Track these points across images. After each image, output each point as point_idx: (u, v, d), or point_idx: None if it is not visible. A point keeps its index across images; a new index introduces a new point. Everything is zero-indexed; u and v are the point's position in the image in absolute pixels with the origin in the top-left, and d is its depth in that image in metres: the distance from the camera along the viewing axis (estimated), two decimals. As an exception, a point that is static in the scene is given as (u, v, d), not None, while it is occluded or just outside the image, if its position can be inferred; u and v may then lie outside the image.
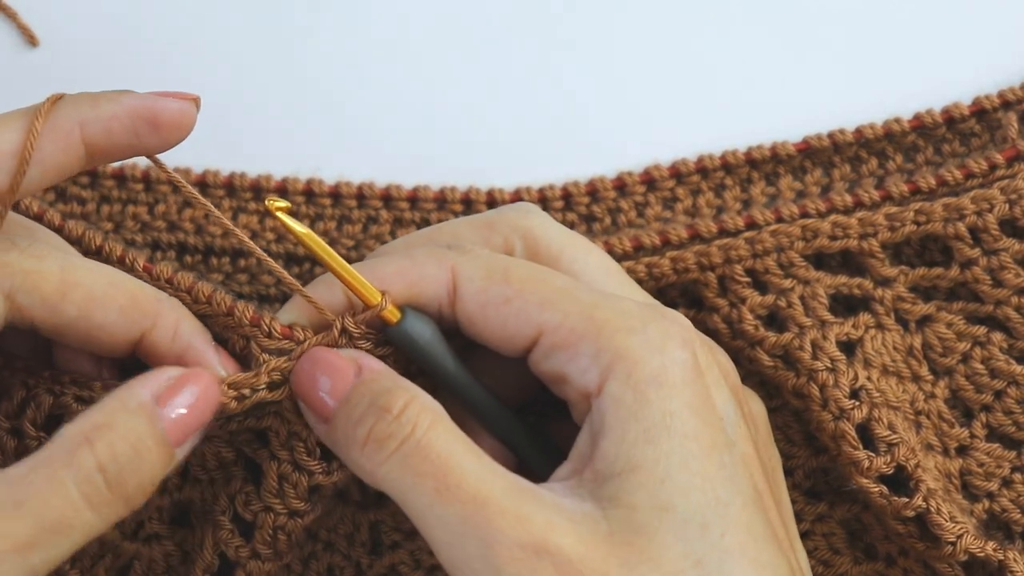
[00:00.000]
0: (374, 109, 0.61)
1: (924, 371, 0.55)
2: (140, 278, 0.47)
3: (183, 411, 0.44)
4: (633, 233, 0.58)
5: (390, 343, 0.47)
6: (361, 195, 0.60)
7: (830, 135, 0.59)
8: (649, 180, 0.60)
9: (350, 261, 0.47)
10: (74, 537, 0.41)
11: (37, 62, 0.62)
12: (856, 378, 0.52)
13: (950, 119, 0.59)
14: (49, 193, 0.59)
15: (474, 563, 0.41)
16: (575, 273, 0.48)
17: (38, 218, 0.50)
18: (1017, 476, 0.54)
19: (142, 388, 0.44)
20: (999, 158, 0.57)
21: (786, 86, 0.61)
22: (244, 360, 0.47)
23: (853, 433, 0.51)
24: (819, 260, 0.55)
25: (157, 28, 0.62)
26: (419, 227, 0.59)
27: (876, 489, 0.51)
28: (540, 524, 0.41)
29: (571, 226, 0.59)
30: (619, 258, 0.56)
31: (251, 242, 0.48)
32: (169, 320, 0.46)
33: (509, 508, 0.42)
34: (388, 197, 0.60)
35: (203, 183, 0.59)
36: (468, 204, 0.59)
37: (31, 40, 0.62)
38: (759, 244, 0.54)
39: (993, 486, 0.54)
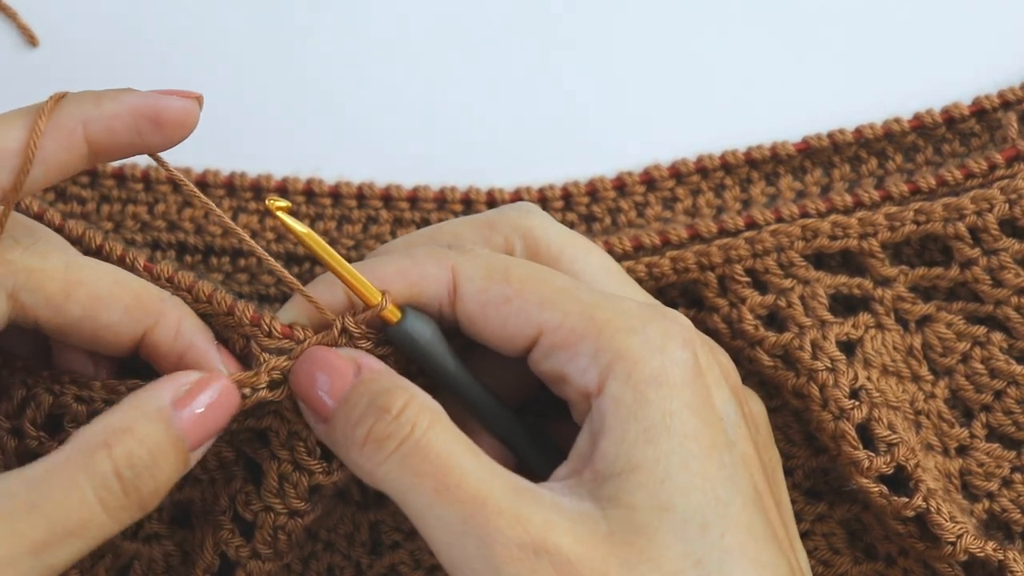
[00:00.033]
0: (374, 109, 0.61)
1: (924, 371, 0.55)
2: (141, 277, 0.47)
3: (201, 415, 0.44)
4: (633, 233, 0.58)
5: (390, 343, 0.47)
6: (361, 195, 0.60)
7: (830, 135, 0.59)
8: (649, 180, 0.60)
9: (350, 261, 0.47)
10: (88, 539, 0.42)
11: (37, 62, 0.62)
12: (856, 378, 0.52)
13: (950, 119, 0.59)
14: (49, 193, 0.59)
15: (474, 563, 0.41)
16: (575, 273, 0.48)
17: (38, 217, 0.50)
18: (1017, 476, 0.54)
19: (162, 392, 0.44)
20: (999, 158, 0.57)
21: (786, 86, 0.61)
22: (244, 360, 0.47)
23: (853, 433, 0.51)
24: (819, 260, 0.55)
25: (157, 28, 0.62)
26: (419, 227, 0.59)
27: (876, 489, 0.51)
28: (539, 524, 0.41)
29: (571, 226, 0.59)
30: (619, 258, 0.56)
31: (251, 241, 0.48)
32: (172, 319, 0.46)
33: (508, 508, 0.42)
34: (388, 197, 0.60)
35: (203, 183, 0.59)
36: (468, 204, 0.60)
37: (31, 40, 0.62)
38: (759, 244, 0.54)
39: (993, 486, 0.54)
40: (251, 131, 0.61)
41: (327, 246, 0.46)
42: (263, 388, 0.46)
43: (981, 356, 0.55)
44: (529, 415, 0.50)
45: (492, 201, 0.59)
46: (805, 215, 0.57)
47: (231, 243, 0.58)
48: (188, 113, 0.45)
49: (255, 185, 0.59)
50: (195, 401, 0.44)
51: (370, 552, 0.55)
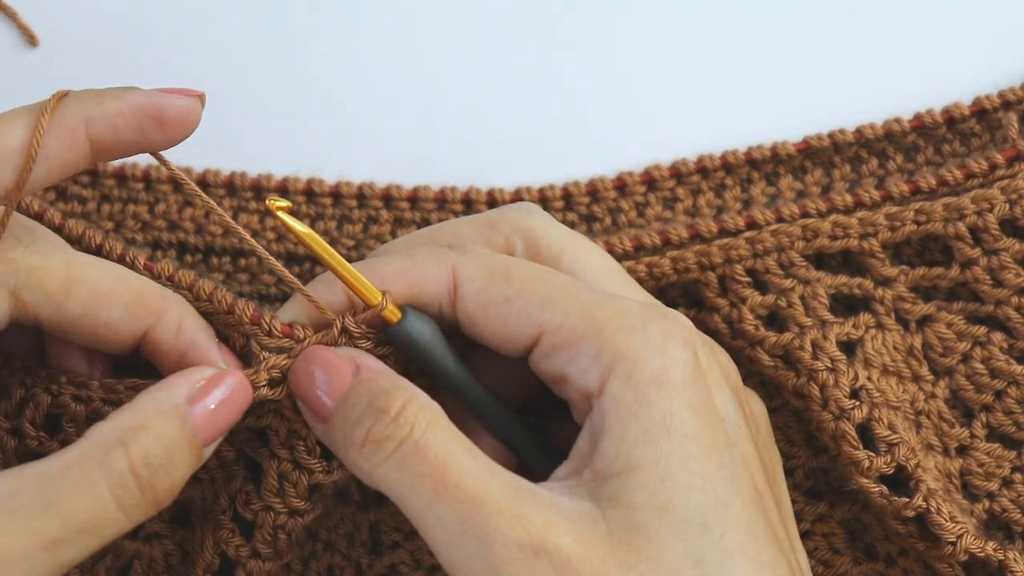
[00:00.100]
0: (374, 109, 0.61)
1: (924, 371, 0.55)
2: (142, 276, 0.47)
3: (214, 411, 0.44)
4: (633, 233, 0.58)
5: (390, 343, 0.47)
6: (361, 195, 0.60)
7: (830, 135, 0.59)
8: (649, 180, 0.60)
9: (350, 261, 0.47)
10: (102, 537, 0.42)
11: (37, 62, 0.62)
12: (856, 378, 0.52)
13: (950, 119, 0.59)
14: (50, 192, 0.59)
15: (473, 563, 0.41)
16: (576, 273, 0.48)
17: (38, 217, 0.50)
18: (1017, 476, 0.54)
19: (177, 389, 0.44)
20: (999, 158, 0.57)
21: (786, 86, 0.61)
22: (245, 358, 0.47)
23: (853, 433, 0.51)
24: (819, 260, 0.55)
25: (157, 28, 0.62)
26: (419, 227, 0.59)
27: (876, 489, 0.51)
28: (538, 523, 0.41)
29: (571, 226, 0.59)
30: (619, 258, 0.56)
31: (252, 240, 0.48)
32: (173, 316, 0.46)
33: (507, 508, 0.42)
34: (388, 197, 0.60)
35: (204, 182, 0.59)
36: (468, 204, 0.60)
37: (31, 40, 0.62)
38: (759, 244, 0.54)
39: (993, 486, 0.54)
40: (251, 131, 0.61)
41: (327, 246, 0.46)
42: (263, 386, 0.46)
43: (981, 356, 0.55)
44: (529, 415, 0.50)
45: (492, 201, 0.59)
46: (806, 215, 0.56)
47: (232, 243, 0.58)
48: (190, 111, 0.45)
49: (255, 185, 0.59)
50: (209, 397, 0.44)
51: (370, 552, 0.55)
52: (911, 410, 0.54)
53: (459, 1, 0.62)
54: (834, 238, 0.55)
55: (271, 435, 0.48)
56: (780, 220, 0.56)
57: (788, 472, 0.53)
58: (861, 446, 0.51)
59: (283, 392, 0.47)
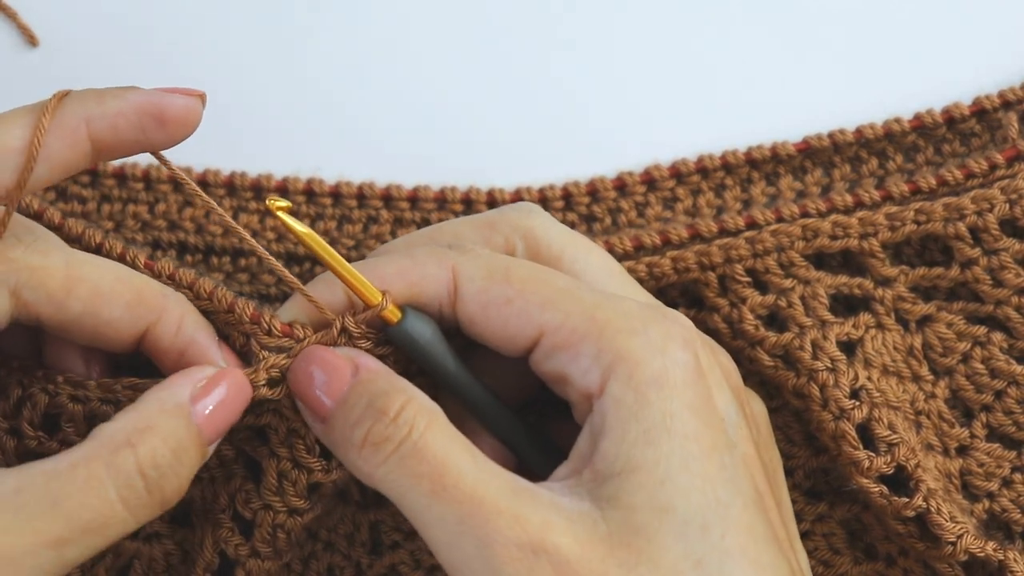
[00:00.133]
0: (374, 109, 0.61)
1: (924, 371, 0.55)
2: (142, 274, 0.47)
3: (217, 409, 0.44)
4: (634, 233, 0.58)
5: (390, 343, 0.47)
6: (361, 195, 0.60)
7: (830, 135, 0.59)
8: (649, 180, 0.60)
9: (350, 261, 0.47)
10: (108, 536, 0.42)
11: (37, 62, 0.62)
12: (856, 378, 0.52)
13: (950, 119, 0.59)
14: (50, 192, 0.59)
15: (472, 563, 0.41)
16: (576, 273, 0.48)
17: (38, 216, 0.50)
18: (1017, 476, 0.54)
19: (180, 388, 0.44)
20: (999, 158, 0.57)
21: (786, 86, 0.61)
22: (244, 357, 0.48)
23: (853, 433, 0.51)
24: (819, 260, 0.55)
25: (157, 28, 0.62)
26: (419, 227, 0.59)
27: (876, 489, 0.51)
28: (537, 523, 0.41)
29: (572, 226, 0.59)
30: (620, 258, 0.56)
31: (252, 240, 0.48)
32: (174, 315, 0.46)
33: (506, 508, 0.42)
34: (388, 197, 0.60)
35: (204, 182, 0.59)
36: (468, 204, 0.59)
37: (31, 40, 0.62)
38: (759, 244, 0.54)
39: (993, 486, 0.54)
40: (251, 131, 0.61)
41: (327, 246, 0.46)
42: (262, 385, 0.46)
43: (981, 356, 0.55)
44: (529, 415, 0.50)
45: (492, 201, 0.59)
46: (805, 215, 0.56)
47: (232, 243, 0.58)
48: (191, 111, 0.45)
49: (255, 185, 0.59)
50: (211, 395, 0.44)
51: (370, 552, 0.55)
52: (911, 410, 0.54)
53: (459, 1, 0.62)
54: (834, 238, 0.55)
55: (270, 434, 0.48)
56: (780, 220, 0.56)
57: (788, 472, 0.53)
58: (861, 446, 0.51)
59: (282, 392, 0.47)
